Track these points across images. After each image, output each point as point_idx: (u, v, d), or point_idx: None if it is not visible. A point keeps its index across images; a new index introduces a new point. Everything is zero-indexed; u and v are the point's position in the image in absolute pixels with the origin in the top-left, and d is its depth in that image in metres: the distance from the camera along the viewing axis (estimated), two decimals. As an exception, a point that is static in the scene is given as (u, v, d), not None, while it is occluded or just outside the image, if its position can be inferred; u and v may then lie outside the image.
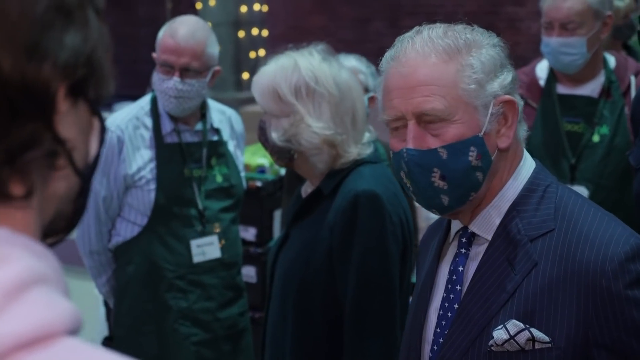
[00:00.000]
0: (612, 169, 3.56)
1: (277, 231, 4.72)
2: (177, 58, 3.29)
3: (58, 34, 0.80)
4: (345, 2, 10.77)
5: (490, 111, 1.73)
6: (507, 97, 1.75)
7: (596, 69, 3.64)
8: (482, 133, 1.72)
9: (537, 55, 3.87)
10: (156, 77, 3.36)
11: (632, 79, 3.63)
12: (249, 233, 4.73)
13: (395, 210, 2.50)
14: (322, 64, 2.59)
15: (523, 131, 1.82)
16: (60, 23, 0.80)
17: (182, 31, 3.30)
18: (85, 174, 0.86)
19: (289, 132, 2.54)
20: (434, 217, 5.34)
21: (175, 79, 3.29)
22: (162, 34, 3.35)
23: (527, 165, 1.82)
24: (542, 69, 3.78)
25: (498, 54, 1.77)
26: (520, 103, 1.79)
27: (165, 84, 3.31)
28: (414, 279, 2.66)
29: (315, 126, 2.52)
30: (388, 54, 1.81)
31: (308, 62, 2.58)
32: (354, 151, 2.57)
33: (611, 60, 3.70)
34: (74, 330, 0.75)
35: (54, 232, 0.87)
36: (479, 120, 1.72)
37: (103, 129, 0.90)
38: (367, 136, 2.64)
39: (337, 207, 2.49)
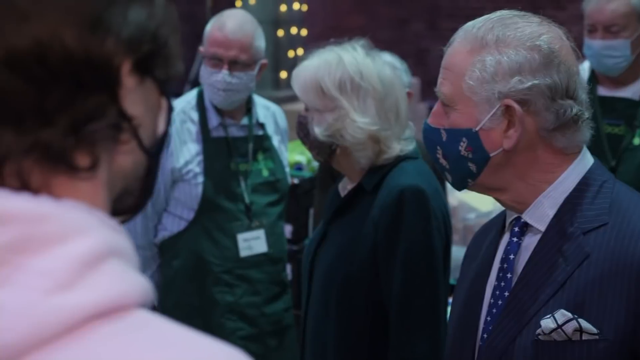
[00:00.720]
0: (652, 173, 3.53)
1: (312, 229, 4.73)
2: (225, 51, 3.31)
3: (122, 9, 0.81)
4: (384, 2, 10.76)
5: (494, 110, 1.74)
6: (509, 102, 1.73)
7: (638, 71, 3.62)
8: (477, 128, 1.75)
9: (578, 60, 3.84)
10: (204, 71, 3.38)
11: (675, 82, 3.60)
12: (285, 230, 4.74)
13: (438, 206, 2.51)
14: (366, 59, 2.59)
15: (581, 135, 1.81)
16: None
17: (230, 24, 3.33)
18: (152, 152, 0.88)
19: (333, 127, 2.53)
20: (471, 218, 5.26)
21: (224, 71, 3.31)
22: (209, 27, 3.38)
23: (585, 161, 1.82)
24: (583, 70, 3.75)
25: (531, 58, 1.73)
26: (573, 109, 1.76)
27: (213, 77, 3.33)
28: (452, 281, 2.68)
29: (360, 121, 2.51)
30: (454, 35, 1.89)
31: (352, 57, 2.57)
32: (397, 147, 2.57)
33: (652, 64, 3.67)
34: (146, 303, 0.78)
35: (122, 211, 0.89)
36: (476, 115, 1.76)
37: (170, 109, 0.92)
38: (407, 132, 2.64)
39: (381, 203, 2.48)
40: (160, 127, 0.90)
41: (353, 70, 2.54)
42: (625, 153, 3.58)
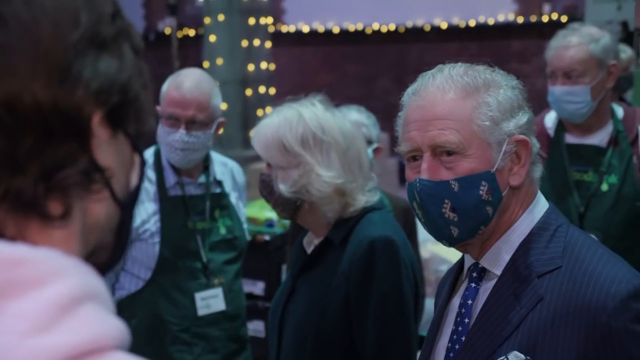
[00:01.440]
0: (620, 217, 3.55)
1: (286, 285, 4.70)
2: (183, 110, 3.28)
3: (91, 61, 0.83)
4: (352, 60, 10.87)
5: (503, 149, 1.77)
6: (521, 137, 1.78)
7: (604, 118, 3.65)
8: (494, 169, 1.76)
9: (542, 110, 3.89)
10: (161, 130, 3.34)
11: (640, 128, 3.64)
12: (257, 287, 4.71)
13: (407, 256, 2.50)
14: (326, 114, 2.58)
15: (538, 172, 1.86)
16: (94, 52, 0.84)
17: (187, 83, 3.30)
18: (125, 204, 0.89)
19: (299, 183, 2.52)
20: (443, 269, 5.32)
21: (182, 131, 3.28)
22: (166, 86, 3.35)
23: (541, 205, 1.85)
24: (550, 119, 3.80)
25: (516, 95, 1.81)
26: (537, 145, 1.83)
27: (171, 137, 3.30)
28: (422, 332, 2.68)
29: (325, 175, 2.50)
30: (410, 89, 1.87)
31: (312, 112, 2.57)
32: (362, 199, 2.56)
33: (619, 111, 3.71)
34: (122, 346, 0.79)
35: (96, 266, 0.88)
36: (491, 156, 1.76)
37: (143, 164, 0.94)
38: (371, 183, 2.63)
39: (351, 256, 2.46)
40: (133, 182, 0.92)
41: (314, 125, 2.54)
42: (594, 199, 3.59)
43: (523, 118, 1.80)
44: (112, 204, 0.87)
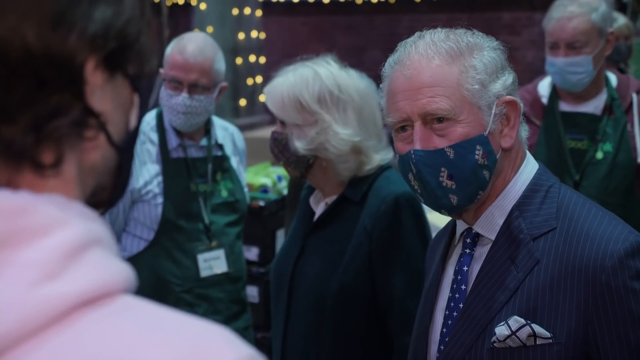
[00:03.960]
0: (615, 185, 3.58)
1: (280, 251, 4.71)
2: (185, 74, 3.30)
3: (86, 7, 0.81)
4: (342, 31, 10.85)
5: (493, 111, 1.76)
6: (510, 97, 1.78)
7: (599, 87, 3.67)
8: (487, 132, 1.75)
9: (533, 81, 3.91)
10: (164, 93, 3.35)
11: (634, 96, 3.65)
12: (252, 253, 4.72)
13: (424, 212, 2.54)
14: (341, 72, 2.59)
15: (524, 132, 1.86)
16: None
17: (191, 48, 3.31)
18: (123, 146, 0.88)
19: (316, 141, 2.53)
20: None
21: (184, 95, 3.30)
22: (170, 50, 3.36)
23: (530, 166, 1.84)
24: (544, 87, 3.81)
25: (499, 56, 1.80)
26: (521, 103, 1.83)
27: (173, 100, 3.31)
28: None
29: (343, 133, 2.51)
30: (391, 59, 1.83)
31: (328, 71, 2.57)
32: (377, 157, 2.57)
33: (613, 79, 3.73)
34: (129, 290, 0.79)
35: (97, 204, 0.89)
36: (483, 119, 1.75)
37: (144, 105, 0.93)
38: (383, 142, 2.64)
39: (374, 212, 2.48)
40: (132, 123, 0.91)
41: (331, 83, 2.54)
42: (589, 167, 3.61)
43: (509, 78, 1.79)
44: (109, 147, 0.86)
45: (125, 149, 0.89)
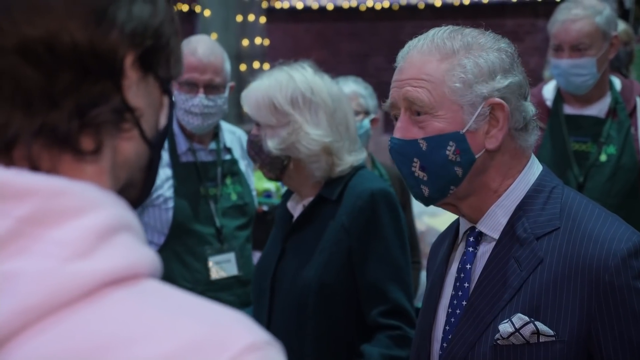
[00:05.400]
0: (619, 187, 3.60)
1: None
2: (200, 75, 3.33)
3: (126, 5, 0.87)
4: (345, 37, 10.87)
5: (478, 111, 1.77)
6: (497, 100, 1.77)
7: (603, 90, 3.68)
8: (464, 130, 1.77)
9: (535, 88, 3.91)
10: (178, 97, 3.36)
11: (638, 100, 3.67)
12: (255, 257, 4.71)
13: (399, 206, 2.61)
14: (315, 77, 2.67)
15: (531, 139, 1.86)
16: None
17: (202, 48, 3.35)
18: (154, 143, 0.93)
19: (287, 141, 2.60)
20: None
21: (201, 95, 3.33)
22: None
23: (534, 168, 1.86)
24: (548, 90, 3.83)
25: (500, 59, 1.81)
26: (530, 111, 1.84)
27: (189, 102, 3.33)
28: (417, 304, 2.75)
29: (314, 133, 2.59)
30: (401, 52, 1.89)
31: (302, 75, 2.66)
32: (349, 159, 2.64)
33: (617, 82, 3.75)
34: (155, 275, 0.83)
35: (126, 201, 0.92)
36: (462, 118, 1.77)
37: (172, 107, 0.99)
38: (359, 144, 2.73)
39: (351, 209, 2.55)
40: (162, 122, 0.96)
41: (304, 87, 2.62)
42: (593, 169, 3.63)
43: (503, 81, 1.78)
44: (142, 142, 0.90)
45: (155, 145, 0.94)
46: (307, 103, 2.61)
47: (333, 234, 2.56)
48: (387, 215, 2.55)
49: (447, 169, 1.78)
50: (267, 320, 2.67)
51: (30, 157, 0.82)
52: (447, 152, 1.77)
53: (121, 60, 0.86)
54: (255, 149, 2.68)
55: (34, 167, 0.82)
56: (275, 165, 2.66)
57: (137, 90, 0.88)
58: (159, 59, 0.91)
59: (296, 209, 2.73)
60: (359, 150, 2.70)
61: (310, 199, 2.67)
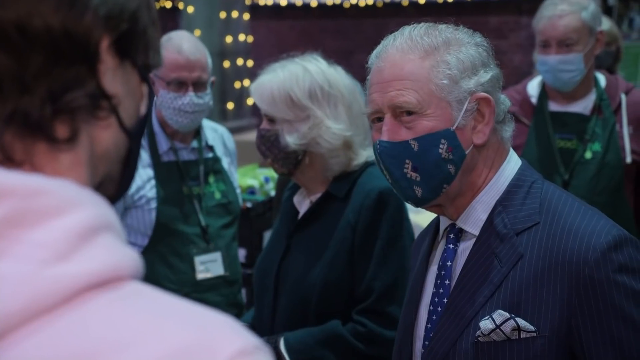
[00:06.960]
0: (604, 185, 3.59)
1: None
2: (189, 73, 3.27)
3: None
4: (329, 34, 10.85)
5: (465, 107, 1.77)
6: (483, 94, 1.78)
7: (588, 87, 3.68)
8: (454, 127, 1.77)
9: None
10: (166, 97, 3.29)
11: (623, 97, 3.67)
12: (239, 254, 4.70)
13: (405, 207, 2.56)
14: (330, 69, 2.61)
15: (509, 131, 1.87)
16: None
17: (186, 46, 3.29)
18: (133, 132, 0.90)
19: (308, 136, 2.54)
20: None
21: (191, 94, 3.27)
22: (164, 52, 3.29)
23: (513, 162, 1.86)
24: (533, 87, 3.82)
25: (479, 53, 1.81)
26: (506, 103, 1.84)
27: (179, 101, 3.27)
28: None
29: (335, 127, 2.53)
30: (374, 52, 1.86)
31: (317, 67, 2.59)
32: (364, 153, 2.60)
33: (602, 79, 3.75)
34: (138, 277, 0.80)
35: (104, 196, 0.89)
36: (451, 115, 1.77)
37: (152, 96, 0.96)
38: (369, 139, 2.65)
39: (359, 206, 2.51)
40: (142, 111, 0.93)
41: (321, 79, 2.56)
42: (578, 167, 3.62)
43: (485, 75, 1.79)
44: (120, 132, 0.87)
45: (135, 136, 0.91)
46: (326, 96, 2.56)
47: (340, 231, 2.52)
48: (393, 215, 2.50)
49: (440, 167, 1.77)
50: (271, 318, 2.64)
51: (2, 147, 0.78)
52: (440, 151, 1.76)
53: (96, 44, 0.83)
54: (267, 144, 2.61)
55: (7, 157, 0.79)
56: (290, 160, 2.60)
57: (113, 76, 0.85)
58: (136, 45, 0.88)
59: (303, 205, 2.69)
60: (370, 145, 2.64)
61: (318, 195, 2.62)
